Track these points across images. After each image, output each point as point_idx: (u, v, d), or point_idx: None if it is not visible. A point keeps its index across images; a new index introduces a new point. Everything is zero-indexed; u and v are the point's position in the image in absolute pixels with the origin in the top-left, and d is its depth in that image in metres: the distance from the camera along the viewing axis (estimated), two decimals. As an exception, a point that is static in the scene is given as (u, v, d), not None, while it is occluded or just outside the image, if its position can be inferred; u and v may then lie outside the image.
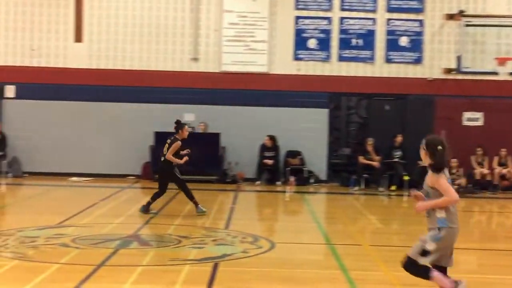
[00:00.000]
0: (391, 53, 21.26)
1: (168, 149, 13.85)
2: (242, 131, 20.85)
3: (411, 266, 7.13)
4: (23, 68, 20.98)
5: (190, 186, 14.34)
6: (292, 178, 20.38)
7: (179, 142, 13.87)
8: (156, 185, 14.68)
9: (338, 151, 22.19)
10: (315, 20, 21.24)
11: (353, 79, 21.22)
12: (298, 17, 21.25)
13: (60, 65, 21.06)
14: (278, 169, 20.68)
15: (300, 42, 21.25)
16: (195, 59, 21.13)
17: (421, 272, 7.14)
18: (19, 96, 20.96)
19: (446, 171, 7.03)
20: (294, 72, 21.27)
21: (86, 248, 10.35)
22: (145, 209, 13.80)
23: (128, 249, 10.39)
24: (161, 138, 20.10)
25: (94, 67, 21.03)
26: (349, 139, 22.85)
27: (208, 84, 21.00)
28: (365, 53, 21.27)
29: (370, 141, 20.23)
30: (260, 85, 21.06)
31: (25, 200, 16.75)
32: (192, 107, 20.94)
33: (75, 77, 20.88)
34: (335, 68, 21.31)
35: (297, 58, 21.29)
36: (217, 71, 21.20)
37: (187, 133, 14.24)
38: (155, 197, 14.04)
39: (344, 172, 20.99)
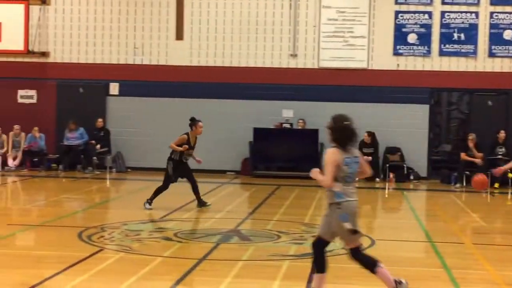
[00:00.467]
0: (494, 47, 20.72)
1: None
2: (340, 127, 20.71)
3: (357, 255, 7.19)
4: (126, 66, 21.54)
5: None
6: (391, 175, 20.17)
7: (185, 136, 13.87)
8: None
9: (438, 147, 21.83)
10: (415, 14, 20.93)
11: (454, 74, 20.81)
12: (398, 12, 20.99)
13: (162, 63, 21.51)
14: (377, 165, 20.48)
15: (400, 37, 20.98)
16: (294, 55, 21.19)
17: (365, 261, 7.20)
18: (122, 93, 21.53)
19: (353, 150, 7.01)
20: (394, 68, 21.03)
21: (188, 242, 10.58)
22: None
23: (229, 244, 10.56)
24: (260, 134, 20.35)
25: (194, 64, 21.39)
26: (450, 135, 22.44)
27: (306, 80, 21.02)
28: (467, 48, 20.81)
29: (471, 137, 19.77)
30: (359, 81, 20.93)
31: (128, 195, 17.21)
32: (291, 103, 21.01)
33: (176, 74, 21.29)
34: (435, 63, 20.94)
35: (396, 53, 21.04)
36: (315, 67, 21.20)
37: (201, 129, 14.25)
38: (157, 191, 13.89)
39: (445, 168, 20.62)
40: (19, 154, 21.06)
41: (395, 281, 7.06)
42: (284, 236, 11.23)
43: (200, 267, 8.92)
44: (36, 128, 20.96)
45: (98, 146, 20.96)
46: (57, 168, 20.90)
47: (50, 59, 21.72)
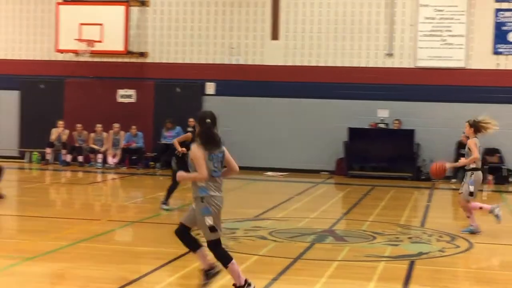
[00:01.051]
0: None
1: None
2: (437, 127, 20.42)
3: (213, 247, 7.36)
4: (222, 66, 21.80)
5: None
6: (490, 177, 19.69)
7: (190, 134, 13.58)
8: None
9: (540, 149, 21.15)
10: (516, 12, 20.40)
11: (557, 73, 20.15)
12: (498, 10, 20.47)
13: (257, 63, 21.65)
14: (475, 167, 19.96)
15: (500, 35, 20.46)
16: (390, 55, 20.97)
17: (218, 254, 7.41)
18: (218, 92, 21.80)
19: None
20: (493, 67, 20.52)
21: (283, 241, 10.63)
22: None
23: (324, 244, 10.55)
24: (355, 134, 20.22)
25: (289, 64, 21.46)
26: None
27: (402, 80, 20.77)
28: None
29: None
30: (457, 81, 20.52)
31: (224, 193, 17.34)
32: (386, 103, 20.80)
33: (271, 74, 21.41)
34: (538, 61, 20.34)
35: (496, 52, 20.52)
36: (412, 66, 20.91)
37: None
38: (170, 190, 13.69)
39: (547, 171, 20.01)
40: (119, 152, 21.62)
41: (246, 281, 7.31)
42: (379, 237, 11.13)
43: (295, 266, 8.95)
44: (134, 127, 21.47)
45: (194, 144, 21.24)
46: (154, 166, 21.33)
47: (149, 59, 22.21)
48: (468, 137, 11.96)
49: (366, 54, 21.10)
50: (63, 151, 21.83)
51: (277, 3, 21.40)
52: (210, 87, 21.90)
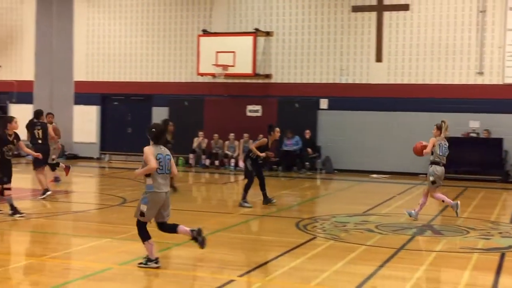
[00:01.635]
0: None
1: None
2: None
3: (137, 225, 7.82)
4: (333, 84, 21.65)
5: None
6: None
7: (265, 139, 13.48)
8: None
9: None
10: None
11: None
12: None
13: (363, 81, 21.38)
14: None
15: None
16: (480, 73, 20.18)
17: (139, 231, 7.81)
18: (330, 107, 21.66)
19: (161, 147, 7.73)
20: None
21: (387, 234, 10.41)
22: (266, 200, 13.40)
23: (423, 236, 10.27)
24: (449, 142, 19.50)
25: (391, 82, 21.06)
26: None
27: (491, 95, 19.95)
28: None
29: None
30: (542, 95, 19.55)
31: (336, 192, 17.26)
32: (477, 115, 20.02)
33: (375, 91, 21.09)
34: None
35: None
36: (500, 83, 20.03)
37: (278, 134, 13.89)
38: (263, 189, 13.41)
39: None
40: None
41: (156, 258, 7.78)
42: (472, 231, 10.72)
43: (398, 255, 8.75)
44: (261, 136, 21.60)
45: (310, 151, 21.24)
46: (277, 169, 21.43)
47: (272, 80, 22.35)
48: None
49: (459, 73, 20.39)
50: (203, 156, 22.32)
51: (380, 30, 21.06)
52: (323, 103, 21.79)
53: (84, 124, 24.49)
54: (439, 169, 11.82)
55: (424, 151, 11.95)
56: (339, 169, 21.07)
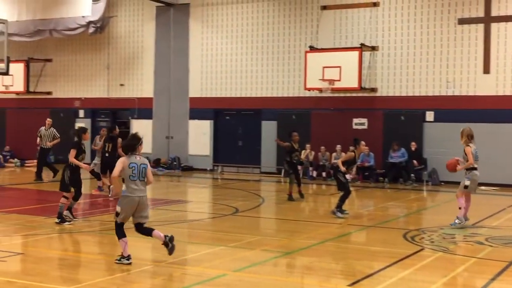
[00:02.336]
0: None
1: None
2: None
3: (115, 224, 8.44)
4: (439, 97, 21.06)
5: None
6: None
7: (352, 154, 13.35)
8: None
9: None
10: None
11: None
12: None
13: (470, 93, 20.65)
14: None
15: None
16: None
17: (116, 229, 8.42)
18: (437, 119, 21.06)
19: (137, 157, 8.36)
20: None
21: (498, 247, 9.97)
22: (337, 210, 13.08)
23: (536, 250, 9.72)
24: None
25: (500, 93, 20.21)
26: None
27: None
28: None
29: None
30: None
31: (443, 204, 16.73)
32: None
33: (483, 103, 20.31)
34: None
35: None
36: None
37: (364, 148, 14.14)
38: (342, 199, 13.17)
39: None
40: (354, 169, 21.56)
41: (165, 236, 8.45)
42: None
43: (510, 268, 8.33)
44: (367, 148, 21.32)
45: (416, 163, 20.73)
46: (383, 181, 21.07)
47: (378, 93, 22.03)
48: None
49: None
50: (310, 168, 22.29)
51: (488, 41, 20.28)
52: (429, 115, 21.22)
53: (199, 138, 25.15)
54: (477, 173, 11.87)
55: (467, 163, 11.82)
56: (446, 181, 20.38)
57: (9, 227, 11.33)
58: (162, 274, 7.96)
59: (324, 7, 22.81)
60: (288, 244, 9.94)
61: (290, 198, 15.84)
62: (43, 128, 19.90)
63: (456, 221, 11.81)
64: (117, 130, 16.54)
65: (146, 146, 25.84)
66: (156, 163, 25.33)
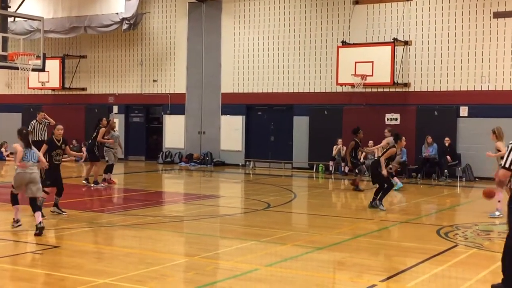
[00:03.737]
0: None
1: (383, 153, 13.75)
2: None
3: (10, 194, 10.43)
4: (474, 92, 20.76)
5: None
6: None
7: (394, 149, 13.59)
8: None
9: None
10: None
11: None
12: None
13: (505, 88, 20.31)
14: None
15: None
16: None
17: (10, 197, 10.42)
18: (471, 115, 20.78)
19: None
20: None
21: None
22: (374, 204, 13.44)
23: None
24: None
25: (537, 88, 19.88)
26: None
27: None
28: None
29: None
30: None
31: (477, 200, 16.46)
32: None
33: (518, 98, 20.03)
34: None
35: None
36: None
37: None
38: (378, 193, 13.42)
39: None
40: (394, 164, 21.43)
41: (40, 222, 9.83)
42: None
43: (546, 266, 8.17)
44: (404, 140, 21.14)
45: (449, 158, 20.49)
46: (416, 176, 20.87)
47: (411, 89, 21.81)
48: None
49: None
50: (342, 164, 22.20)
51: (524, 36, 19.95)
52: (463, 110, 20.94)
53: (231, 133, 25.24)
54: None
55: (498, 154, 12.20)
56: (481, 177, 20.12)
57: (45, 220, 11.53)
58: (195, 268, 8.02)
59: (357, 2, 22.66)
60: (320, 239, 9.92)
61: (358, 189, 16.98)
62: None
63: (497, 213, 12.04)
64: (105, 121, 17.49)
65: (179, 142, 26.10)
66: (188, 158, 25.50)
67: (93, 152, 17.11)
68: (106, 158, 17.38)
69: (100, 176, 17.12)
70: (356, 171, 17.35)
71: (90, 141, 17.52)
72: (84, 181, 17.15)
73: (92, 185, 16.80)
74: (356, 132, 17.13)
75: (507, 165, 6.77)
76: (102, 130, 17.07)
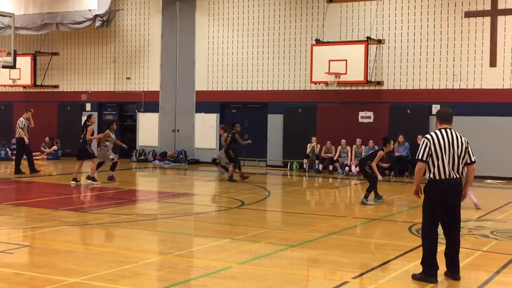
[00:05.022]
0: None
1: (370, 157, 14.25)
2: None
3: None
4: (446, 90, 21.00)
5: None
6: None
7: (382, 153, 13.95)
8: None
9: None
10: None
11: None
12: None
13: (477, 87, 20.58)
14: None
15: None
16: None
17: None
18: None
19: None
20: None
21: (503, 240, 9.96)
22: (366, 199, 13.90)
23: (541, 243, 9.70)
24: None
25: (506, 87, 20.15)
26: None
27: None
28: None
29: None
30: None
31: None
32: None
33: (489, 96, 20.27)
34: None
35: None
36: None
37: (392, 147, 15.01)
38: (369, 189, 13.95)
39: None
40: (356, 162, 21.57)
41: None
42: None
43: (515, 262, 8.32)
44: (371, 141, 21.31)
45: (422, 156, 20.64)
46: (389, 174, 21.02)
47: (384, 87, 21.99)
48: None
49: None
50: (316, 161, 22.29)
51: (494, 35, 20.19)
52: (436, 109, 21.13)
53: (205, 131, 25.18)
54: None
55: None
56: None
57: (16, 219, 11.40)
58: (168, 266, 7.99)
59: (331, 0, 22.76)
60: (294, 237, 9.96)
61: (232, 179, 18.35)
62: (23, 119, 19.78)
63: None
64: (93, 119, 17.62)
65: (153, 139, 25.95)
66: (162, 156, 25.38)
67: (86, 150, 17.16)
68: (111, 156, 17.75)
69: (98, 172, 17.59)
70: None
71: (81, 140, 17.25)
72: (72, 182, 16.88)
73: (89, 181, 16.99)
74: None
75: (420, 157, 7.43)
76: (90, 128, 17.10)
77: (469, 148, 7.50)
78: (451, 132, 7.42)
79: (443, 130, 7.39)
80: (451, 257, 7.38)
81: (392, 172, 21.00)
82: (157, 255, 8.76)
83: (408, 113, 21.51)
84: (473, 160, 7.52)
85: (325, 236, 10.06)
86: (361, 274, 7.67)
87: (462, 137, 7.48)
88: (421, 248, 7.53)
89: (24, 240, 9.63)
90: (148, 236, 10.20)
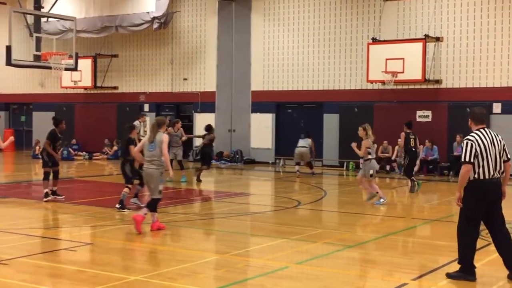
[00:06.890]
0: None
1: None
2: None
3: None
4: (507, 88, 20.50)
5: None
6: None
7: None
8: None
9: None
10: None
11: None
12: None
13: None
14: None
15: None
16: None
17: None
18: (504, 111, 20.51)
19: None
20: None
21: None
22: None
23: None
24: None
25: None
26: None
27: None
28: None
29: None
30: None
31: (508, 197, 16.21)
32: None
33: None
34: None
35: None
36: None
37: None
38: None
39: None
40: (418, 162, 21.23)
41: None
42: None
43: None
44: (428, 141, 20.99)
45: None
46: (448, 174, 20.65)
47: (443, 85, 21.60)
48: None
49: None
50: (373, 161, 22.03)
51: None
52: (496, 107, 20.66)
53: (261, 131, 25.28)
54: None
55: None
56: (514, 175, 19.80)
57: (78, 218, 11.73)
58: (226, 265, 8.08)
59: (387, -2, 22.52)
60: (350, 237, 9.91)
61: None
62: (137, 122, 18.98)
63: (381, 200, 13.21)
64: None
65: (209, 139, 26.17)
66: (218, 156, 25.62)
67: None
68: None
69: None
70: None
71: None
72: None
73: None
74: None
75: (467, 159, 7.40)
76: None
77: (505, 146, 7.56)
78: (490, 132, 7.50)
79: (482, 130, 7.44)
80: (509, 253, 7.32)
81: (451, 172, 20.61)
82: (215, 254, 8.88)
83: (467, 112, 20.98)
84: (509, 157, 7.55)
85: (383, 237, 9.97)
86: (420, 276, 7.58)
87: (498, 135, 7.57)
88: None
89: (87, 238, 9.90)
90: (205, 236, 10.34)
